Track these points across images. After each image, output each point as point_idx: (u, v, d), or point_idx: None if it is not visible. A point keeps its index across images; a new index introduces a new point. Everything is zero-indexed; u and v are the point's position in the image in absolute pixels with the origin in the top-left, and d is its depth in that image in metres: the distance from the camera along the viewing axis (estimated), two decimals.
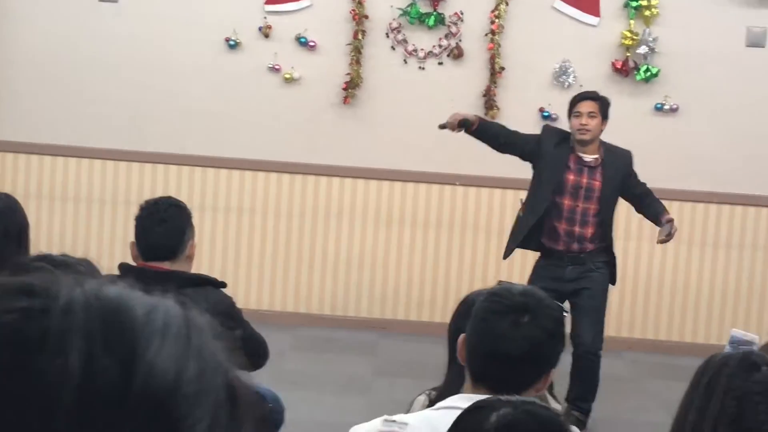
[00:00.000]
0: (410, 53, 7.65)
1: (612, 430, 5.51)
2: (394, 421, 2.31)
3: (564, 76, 7.55)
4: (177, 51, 7.63)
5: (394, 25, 7.63)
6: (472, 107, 7.58)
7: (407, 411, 2.75)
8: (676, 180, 7.50)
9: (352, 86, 7.61)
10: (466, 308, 2.88)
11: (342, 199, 7.72)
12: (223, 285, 3.94)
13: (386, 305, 7.76)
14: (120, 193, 7.70)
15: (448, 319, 3.17)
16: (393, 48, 7.65)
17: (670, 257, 7.68)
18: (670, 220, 5.90)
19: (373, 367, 6.88)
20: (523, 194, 6.20)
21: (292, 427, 4.74)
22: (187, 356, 0.77)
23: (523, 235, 5.98)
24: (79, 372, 0.73)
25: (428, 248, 7.72)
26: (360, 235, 7.74)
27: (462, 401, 2.39)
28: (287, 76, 7.64)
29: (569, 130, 6.01)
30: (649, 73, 7.55)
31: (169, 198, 4.11)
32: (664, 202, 6.17)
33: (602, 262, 5.96)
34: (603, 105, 5.95)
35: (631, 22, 7.56)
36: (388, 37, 7.65)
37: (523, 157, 6.05)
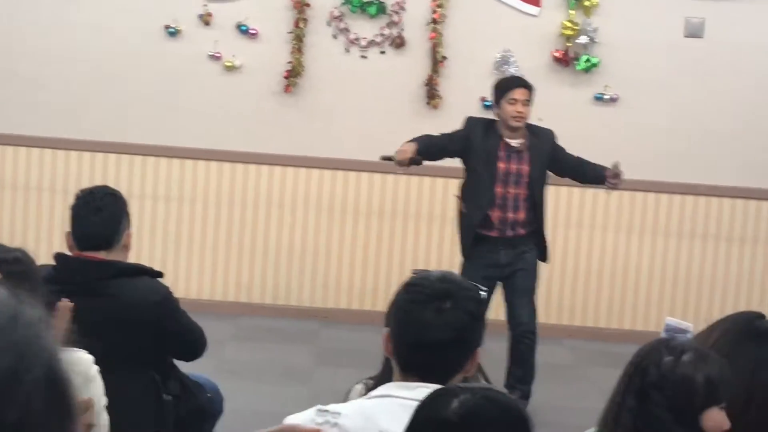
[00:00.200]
0: (352, 42, 7.63)
1: (551, 416, 5.55)
2: (327, 410, 2.31)
3: (505, 66, 7.58)
4: (116, 38, 7.54)
5: (336, 13, 7.60)
6: (414, 96, 7.59)
7: (344, 400, 2.75)
8: None
9: (293, 75, 7.57)
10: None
11: (283, 188, 7.69)
12: (160, 275, 3.91)
13: (328, 294, 7.75)
14: (58, 182, 7.61)
15: None
16: (335, 37, 7.63)
17: (609, 245, 7.74)
18: (615, 168, 5.92)
19: (314, 356, 6.87)
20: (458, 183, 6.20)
21: (232, 416, 4.72)
22: (1, 349, 0.76)
23: (474, 230, 5.98)
24: None
25: (370, 237, 7.72)
26: (301, 224, 7.72)
27: (394, 389, 2.39)
28: (228, 64, 7.59)
29: (494, 117, 6.02)
30: (589, 63, 7.60)
31: (105, 187, 4.07)
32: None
33: (533, 243, 6.02)
34: (533, 93, 6.00)
35: (572, 12, 7.60)
36: (329, 25, 7.62)
37: (454, 156, 6.09)
